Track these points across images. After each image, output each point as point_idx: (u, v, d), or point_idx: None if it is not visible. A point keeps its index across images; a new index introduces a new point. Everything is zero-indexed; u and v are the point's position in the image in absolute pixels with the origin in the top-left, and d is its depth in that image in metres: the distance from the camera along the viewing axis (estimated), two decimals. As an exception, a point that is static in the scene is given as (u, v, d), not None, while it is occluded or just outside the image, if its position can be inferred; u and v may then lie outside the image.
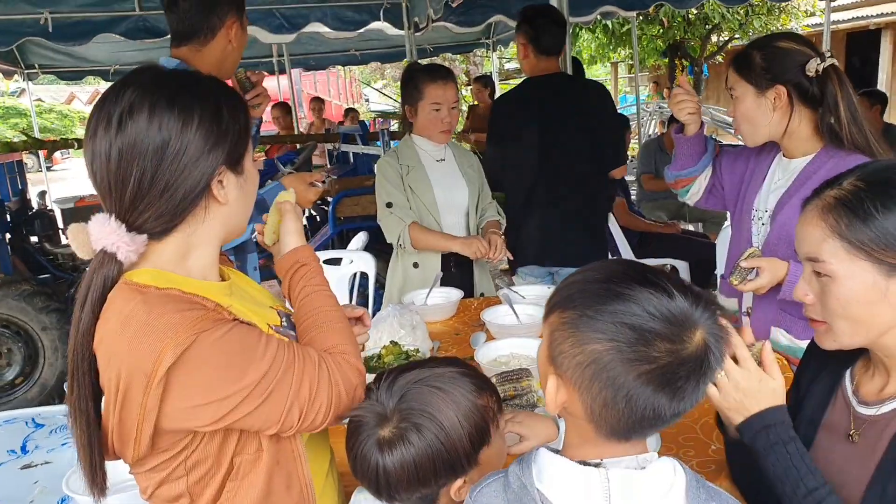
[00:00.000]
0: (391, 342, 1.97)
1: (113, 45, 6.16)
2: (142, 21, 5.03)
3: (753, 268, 1.74)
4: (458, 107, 2.62)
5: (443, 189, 2.65)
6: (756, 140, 1.87)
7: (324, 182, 2.04)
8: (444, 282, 2.61)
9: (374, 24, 6.08)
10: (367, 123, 6.44)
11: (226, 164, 1.05)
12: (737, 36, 12.89)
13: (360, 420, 1.04)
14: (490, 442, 1.04)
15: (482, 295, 2.75)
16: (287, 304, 1.34)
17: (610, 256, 4.78)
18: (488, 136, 3.04)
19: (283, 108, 7.93)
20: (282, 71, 8.55)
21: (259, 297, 1.27)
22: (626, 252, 4.58)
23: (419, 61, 2.99)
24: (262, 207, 1.98)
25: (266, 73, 2.10)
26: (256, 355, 0.99)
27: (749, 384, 1.08)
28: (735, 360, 1.09)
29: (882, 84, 12.03)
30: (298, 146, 5.97)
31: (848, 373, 1.16)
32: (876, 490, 1.01)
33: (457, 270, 2.68)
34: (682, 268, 4.38)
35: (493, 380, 1.58)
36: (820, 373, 1.19)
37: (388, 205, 2.61)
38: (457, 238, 2.58)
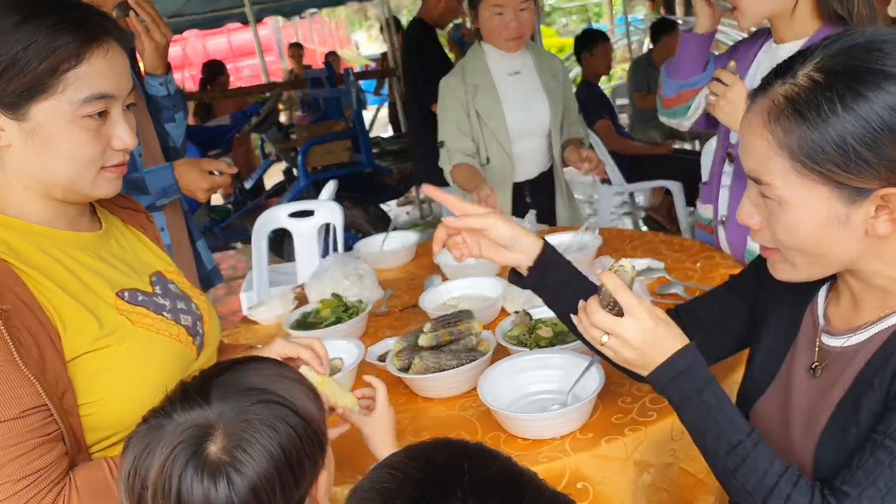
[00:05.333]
0: (333, 295, 1.81)
1: None
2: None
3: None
4: (530, 7, 2.16)
5: (517, 110, 2.25)
6: (757, 16, 1.58)
7: (222, 173, 1.83)
8: (519, 213, 2.24)
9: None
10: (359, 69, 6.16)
11: None
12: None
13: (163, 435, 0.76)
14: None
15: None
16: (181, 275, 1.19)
17: (601, 184, 4.56)
18: None
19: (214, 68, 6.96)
20: (258, 20, 8.24)
21: (144, 258, 1.15)
22: (617, 178, 4.36)
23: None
24: (141, 187, 1.78)
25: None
26: None
27: (646, 335, 0.88)
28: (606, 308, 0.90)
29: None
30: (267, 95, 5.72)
31: (823, 291, 0.95)
32: (832, 431, 0.83)
33: (533, 201, 2.34)
34: (676, 188, 4.17)
35: (429, 326, 1.43)
36: (784, 293, 0.99)
37: (441, 143, 2.29)
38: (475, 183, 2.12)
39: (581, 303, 0.94)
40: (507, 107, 2.25)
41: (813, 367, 0.90)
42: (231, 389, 0.78)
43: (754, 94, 0.84)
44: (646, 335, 0.88)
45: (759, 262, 1.05)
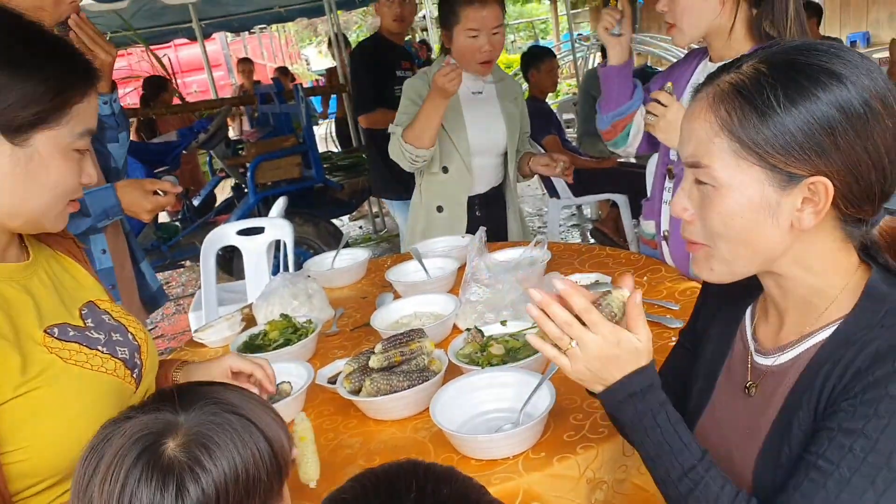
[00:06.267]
0: (281, 315, 1.77)
1: None
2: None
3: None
4: (501, 31, 2.21)
5: (477, 128, 2.31)
6: (693, 36, 1.64)
7: (166, 193, 1.83)
8: (470, 227, 2.28)
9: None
10: (309, 84, 6.11)
11: None
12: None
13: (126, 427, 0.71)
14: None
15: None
16: (118, 302, 1.15)
17: (549, 197, 4.62)
18: None
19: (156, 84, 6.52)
20: (206, 36, 8.11)
21: (73, 288, 1.09)
22: (564, 191, 4.43)
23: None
24: (81, 209, 1.72)
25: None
26: None
27: (605, 351, 0.87)
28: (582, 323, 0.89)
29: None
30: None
31: (749, 311, 0.98)
32: (768, 451, 0.84)
33: (482, 214, 2.36)
34: (622, 201, 4.25)
35: (380, 347, 1.41)
36: (718, 311, 1.01)
37: (394, 130, 2.26)
38: (431, 93, 2.12)
39: (561, 287, 0.90)
40: (469, 123, 2.30)
41: (748, 386, 0.92)
42: (203, 397, 0.74)
43: (699, 88, 0.87)
44: (607, 352, 0.87)
45: (698, 300, 1.08)
